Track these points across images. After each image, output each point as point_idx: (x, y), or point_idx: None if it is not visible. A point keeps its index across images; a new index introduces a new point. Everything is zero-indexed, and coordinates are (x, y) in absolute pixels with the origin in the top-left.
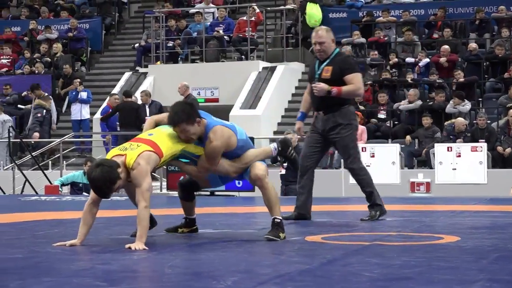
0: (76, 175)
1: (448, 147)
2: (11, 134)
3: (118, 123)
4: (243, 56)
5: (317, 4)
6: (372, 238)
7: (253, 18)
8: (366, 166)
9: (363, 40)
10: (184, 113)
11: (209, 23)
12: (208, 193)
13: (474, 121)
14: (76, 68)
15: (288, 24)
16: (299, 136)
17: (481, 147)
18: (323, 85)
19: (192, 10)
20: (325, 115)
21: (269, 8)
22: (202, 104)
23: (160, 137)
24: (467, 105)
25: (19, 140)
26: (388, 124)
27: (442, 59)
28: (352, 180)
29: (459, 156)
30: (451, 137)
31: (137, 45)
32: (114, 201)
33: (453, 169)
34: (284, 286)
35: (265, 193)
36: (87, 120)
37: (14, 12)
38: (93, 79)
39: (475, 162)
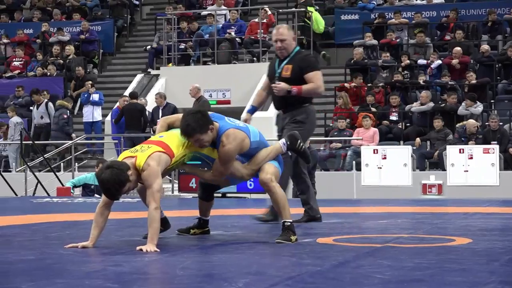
0: (88, 177)
1: (460, 149)
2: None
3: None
4: (254, 58)
5: (313, 7)
6: (384, 240)
7: (265, 20)
8: (378, 168)
9: (375, 42)
10: (197, 124)
11: (221, 25)
12: (219, 195)
13: (486, 123)
14: (88, 70)
15: (300, 26)
16: (310, 138)
17: (493, 149)
18: (283, 85)
19: (204, 12)
20: (285, 113)
21: (281, 10)
22: (213, 106)
23: (171, 138)
24: (479, 107)
25: (31, 142)
26: (400, 126)
27: (454, 61)
28: (364, 182)
29: (471, 158)
30: (462, 139)
31: (149, 47)
32: (126, 203)
33: (465, 171)
34: None
35: (273, 197)
36: (99, 122)
37: (27, 14)
38: (105, 81)
39: (487, 164)
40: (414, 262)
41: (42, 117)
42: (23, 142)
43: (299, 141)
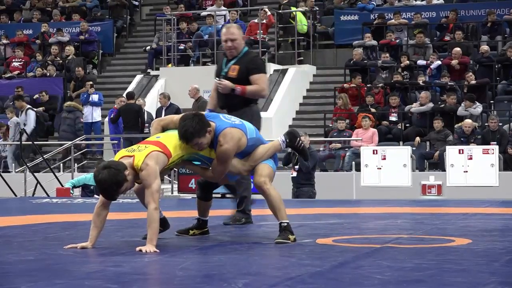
0: (87, 178)
1: (459, 150)
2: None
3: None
4: None
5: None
6: (383, 240)
7: (264, 21)
8: (378, 168)
9: (374, 42)
10: (195, 128)
11: (220, 26)
12: (219, 195)
13: (486, 124)
14: (87, 71)
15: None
16: (310, 139)
17: (493, 149)
18: (227, 82)
19: (203, 13)
20: (229, 113)
21: (280, 11)
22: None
23: (168, 138)
24: (478, 108)
25: (30, 142)
26: (400, 127)
27: (454, 62)
28: (363, 183)
29: (471, 158)
30: (461, 139)
31: (148, 47)
32: (125, 203)
33: (464, 171)
34: None
35: (268, 199)
36: (99, 123)
37: (26, 15)
38: (104, 82)
39: (486, 165)
40: (413, 263)
41: (24, 124)
42: (23, 142)
43: (298, 138)
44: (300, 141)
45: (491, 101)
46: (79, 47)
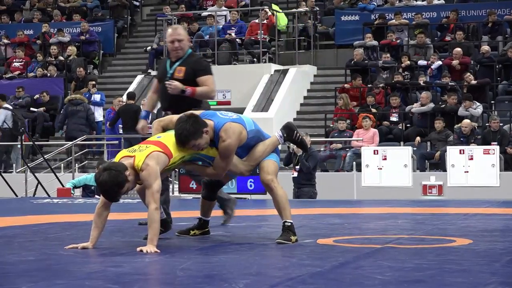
0: (88, 178)
1: (460, 150)
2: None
3: (121, 125)
4: (255, 59)
5: (277, 6)
6: (384, 241)
7: (265, 21)
8: (378, 169)
9: (375, 42)
10: (190, 131)
11: (221, 26)
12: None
13: (487, 124)
14: (88, 71)
15: (300, 27)
16: (311, 139)
17: (494, 149)
18: (177, 84)
19: (204, 13)
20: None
21: (281, 11)
22: (214, 107)
23: (169, 138)
24: (479, 108)
25: (31, 142)
26: (400, 127)
27: (455, 62)
28: (364, 183)
29: (472, 159)
30: (461, 139)
31: (149, 48)
32: (126, 203)
33: (465, 171)
34: None
35: (274, 197)
36: (100, 123)
37: (27, 15)
38: (105, 82)
39: (487, 165)
40: (414, 263)
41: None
42: (24, 143)
43: (295, 131)
44: (298, 134)
45: (492, 102)
46: (80, 48)
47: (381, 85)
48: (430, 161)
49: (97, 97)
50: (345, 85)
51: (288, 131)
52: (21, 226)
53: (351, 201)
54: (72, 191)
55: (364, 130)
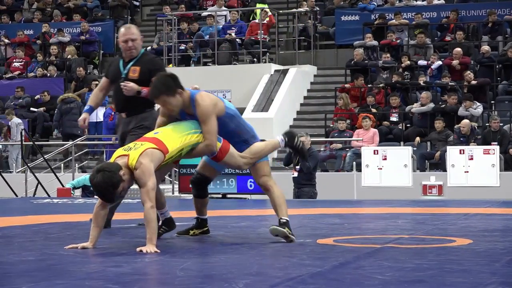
0: (87, 179)
1: (460, 150)
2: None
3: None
4: (255, 59)
5: (265, 4)
6: (384, 241)
7: (265, 21)
8: (378, 169)
9: (375, 42)
10: (164, 86)
11: (221, 26)
12: (220, 195)
13: (487, 124)
14: (88, 71)
15: (300, 27)
16: (311, 139)
17: (494, 149)
18: (133, 85)
19: (204, 13)
20: (128, 117)
21: (281, 11)
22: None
23: (166, 134)
24: (479, 108)
25: (31, 143)
26: (400, 127)
27: (455, 62)
28: (364, 183)
29: (472, 159)
30: (461, 139)
31: (149, 48)
32: (126, 203)
33: (465, 171)
34: None
35: (271, 196)
36: (102, 123)
37: (27, 15)
38: None
39: (487, 165)
40: (414, 263)
41: None
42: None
43: (296, 138)
44: (299, 141)
45: (492, 102)
46: (80, 48)
47: (381, 85)
48: (430, 161)
49: None
50: (346, 85)
51: (289, 136)
52: (21, 226)
53: (351, 201)
54: (72, 191)
55: (364, 130)
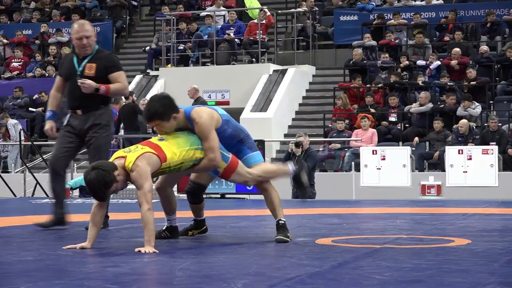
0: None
1: (459, 150)
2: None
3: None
4: (254, 59)
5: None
6: (383, 241)
7: (264, 21)
8: (377, 169)
9: (374, 42)
10: (158, 111)
11: (220, 26)
12: (218, 196)
13: (485, 124)
14: None
15: (299, 27)
16: (309, 139)
17: (492, 149)
18: (91, 82)
19: (202, 13)
20: (84, 114)
21: (280, 11)
22: (213, 107)
23: (170, 143)
24: (477, 108)
25: (30, 143)
26: (399, 127)
27: (453, 62)
28: (363, 183)
29: (470, 159)
30: (459, 139)
31: (148, 48)
32: (124, 203)
33: (464, 172)
34: None
35: (268, 197)
36: None
37: (26, 15)
38: None
39: (486, 165)
40: (413, 263)
41: None
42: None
43: (303, 172)
44: (303, 177)
45: (491, 102)
46: None
47: (379, 85)
48: (429, 161)
49: None
50: (345, 84)
51: (300, 171)
52: (19, 226)
53: (350, 201)
54: (70, 192)
55: (363, 130)
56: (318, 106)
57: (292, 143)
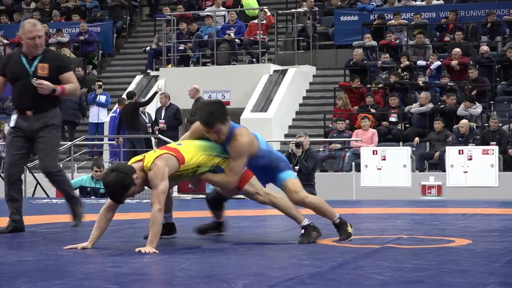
0: (83, 179)
1: (459, 150)
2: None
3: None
4: (254, 59)
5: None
6: (383, 241)
7: (264, 21)
8: (377, 169)
9: (374, 43)
10: (220, 113)
11: (220, 26)
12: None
13: (486, 124)
14: (87, 71)
15: (299, 27)
16: (310, 139)
17: (493, 150)
18: (48, 83)
19: (203, 13)
20: (34, 115)
21: (280, 11)
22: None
23: (188, 147)
24: (478, 108)
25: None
26: (400, 127)
27: (454, 62)
28: (363, 183)
29: (471, 159)
30: (459, 139)
31: (148, 48)
32: (125, 204)
33: (464, 172)
34: None
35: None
36: (104, 124)
37: (26, 15)
38: (104, 82)
39: (486, 165)
40: (413, 263)
41: None
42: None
43: (312, 239)
44: (312, 238)
45: (491, 102)
46: (79, 48)
47: (380, 85)
48: (429, 161)
49: (102, 98)
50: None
51: (311, 232)
52: None
53: (350, 202)
54: None
55: (363, 130)
56: (319, 106)
57: (293, 143)
